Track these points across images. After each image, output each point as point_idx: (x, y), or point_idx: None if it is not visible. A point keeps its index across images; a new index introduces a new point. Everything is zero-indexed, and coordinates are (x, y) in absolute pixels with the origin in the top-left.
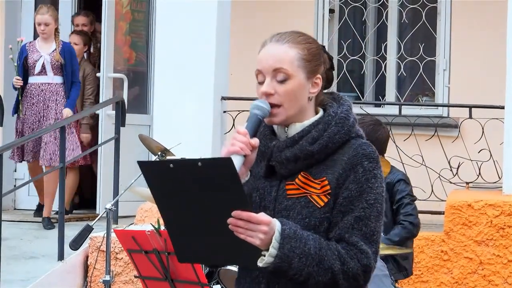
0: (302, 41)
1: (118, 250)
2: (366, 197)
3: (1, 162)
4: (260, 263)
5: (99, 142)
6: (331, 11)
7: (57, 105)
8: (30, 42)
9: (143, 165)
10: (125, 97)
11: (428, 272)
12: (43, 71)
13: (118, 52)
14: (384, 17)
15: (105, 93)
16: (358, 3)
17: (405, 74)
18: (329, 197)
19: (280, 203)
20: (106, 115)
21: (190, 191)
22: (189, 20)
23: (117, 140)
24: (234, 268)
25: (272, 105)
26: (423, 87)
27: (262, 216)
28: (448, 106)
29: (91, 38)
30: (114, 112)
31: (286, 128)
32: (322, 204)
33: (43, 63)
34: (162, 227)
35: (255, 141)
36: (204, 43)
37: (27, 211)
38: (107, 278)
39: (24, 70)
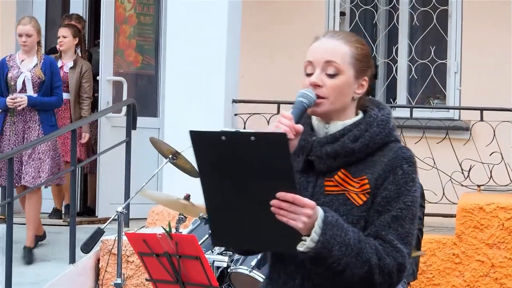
0: (356, 41)
1: (130, 253)
2: (404, 199)
3: (12, 164)
4: (300, 248)
5: (98, 146)
6: (342, 13)
7: (39, 125)
8: (10, 56)
9: (194, 133)
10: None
11: (440, 275)
12: (24, 88)
13: (120, 55)
14: (395, 19)
15: (104, 96)
16: (369, 6)
17: (416, 77)
18: (367, 196)
19: (317, 199)
20: (105, 118)
21: (238, 166)
22: (200, 23)
23: (128, 143)
24: (245, 271)
25: (318, 97)
26: (434, 90)
27: (307, 199)
28: (460, 108)
29: (81, 30)
30: (114, 115)
31: (327, 125)
32: (361, 202)
33: (24, 80)
34: (173, 230)
35: (299, 126)
36: (215, 46)
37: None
38: (119, 281)
39: (6, 86)
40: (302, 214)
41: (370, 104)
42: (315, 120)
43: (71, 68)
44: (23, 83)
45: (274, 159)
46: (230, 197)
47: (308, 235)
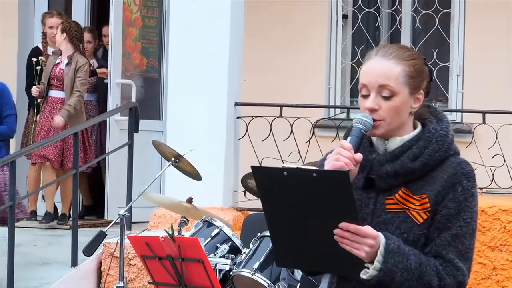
0: (408, 57)
1: (132, 256)
2: (464, 216)
3: (14, 168)
4: (364, 275)
5: (107, 149)
6: (345, 17)
7: None
8: None
9: (257, 170)
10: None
11: None
12: None
13: (127, 58)
14: (397, 22)
15: (113, 98)
16: (371, 9)
17: None
18: (428, 215)
19: (378, 216)
20: (114, 121)
21: (301, 199)
22: (202, 27)
23: (130, 146)
24: (248, 274)
25: (375, 120)
26: (437, 93)
27: (369, 229)
28: (462, 111)
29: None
30: (122, 117)
31: (386, 142)
32: (421, 221)
33: None
34: (176, 233)
35: (359, 156)
36: (217, 49)
37: (40, 217)
38: (121, 284)
39: None
40: (365, 244)
41: (429, 115)
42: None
43: (66, 64)
44: None
45: (336, 193)
46: (293, 226)
47: (371, 262)
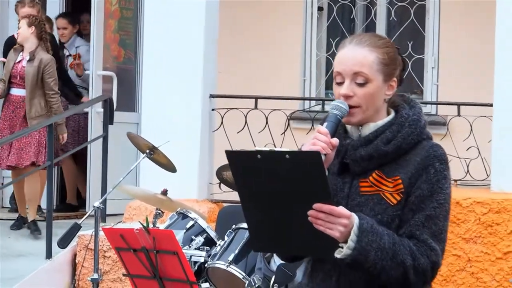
0: (382, 45)
1: (106, 248)
2: (437, 197)
3: None
4: (338, 255)
5: (89, 139)
6: (320, 8)
7: None
8: None
9: (231, 153)
10: (114, 95)
11: None
12: None
13: (107, 49)
14: (372, 14)
15: (95, 91)
16: (346, 1)
17: None
18: (401, 196)
19: (353, 200)
20: (96, 113)
21: (274, 182)
22: (178, 18)
23: (105, 138)
24: (223, 266)
25: (350, 106)
26: (412, 85)
27: (343, 209)
28: (437, 103)
29: (37, 18)
30: (102, 110)
31: (360, 128)
32: (395, 202)
33: None
34: (151, 225)
35: (335, 140)
36: (193, 41)
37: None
38: (95, 276)
39: None
40: (339, 224)
41: (401, 102)
42: None
43: (28, 61)
44: None
45: (310, 175)
46: (268, 209)
47: (345, 242)
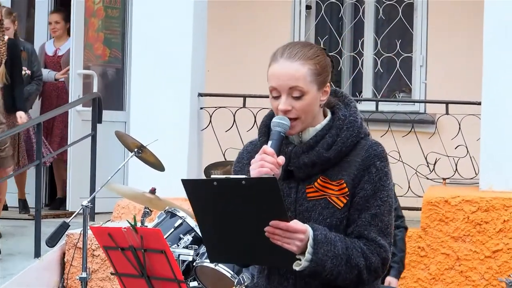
0: (312, 55)
1: (95, 247)
2: (380, 195)
3: None
4: (296, 267)
5: (69, 139)
6: (308, 7)
7: None
8: None
9: (187, 183)
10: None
11: (405, 268)
12: None
13: (89, 48)
14: (360, 13)
15: (74, 89)
16: (334, 0)
17: (382, 70)
18: (347, 198)
19: (301, 205)
20: (76, 112)
21: (232, 206)
22: (166, 17)
23: (93, 137)
24: (211, 264)
25: (290, 119)
26: (400, 83)
27: (298, 224)
28: (425, 102)
29: None
30: (84, 108)
31: (300, 134)
32: (342, 205)
33: None
34: (139, 224)
35: (282, 159)
36: (181, 39)
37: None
38: (84, 275)
39: None
40: (296, 239)
41: (337, 102)
42: None
43: None
44: None
45: (267, 199)
46: (227, 230)
47: (302, 254)
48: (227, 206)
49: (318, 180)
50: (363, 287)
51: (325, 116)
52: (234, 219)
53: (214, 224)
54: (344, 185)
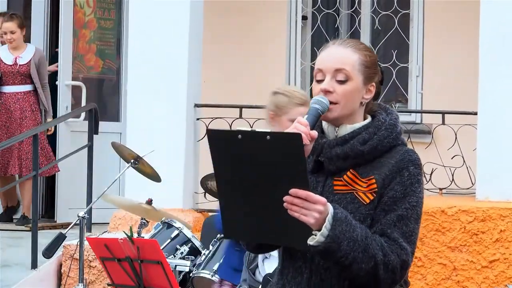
0: (364, 48)
1: (92, 258)
2: (409, 199)
3: None
4: (311, 242)
5: (57, 150)
6: (304, 18)
7: None
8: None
9: (212, 132)
10: (83, 104)
11: None
12: None
13: (80, 59)
14: (357, 23)
15: (62, 101)
16: (331, 10)
17: None
18: (374, 195)
19: (327, 198)
20: (63, 123)
21: (253, 164)
22: (162, 28)
23: (90, 148)
24: (208, 275)
25: (329, 102)
26: (396, 93)
27: (319, 196)
28: (421, 112)
29: None
30: (74, 119)
31: (337, 129)
32: (368, 201)
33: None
34: (135, 235)
35: (314, 133)
36: (177, 50)
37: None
38: (81, 286)
39: None
40: (314, 210)
41: (378, 109)
42: (325, 123)
43: None
44: None
45: (289, 158)
46: (244, 193)
47: (319, 230)
48: (248, 165)
49: (348, 173)
50: (379, 286)
51: (365, 119)
52: (254, 181)
53: (233, 185)
54: (374, 181)
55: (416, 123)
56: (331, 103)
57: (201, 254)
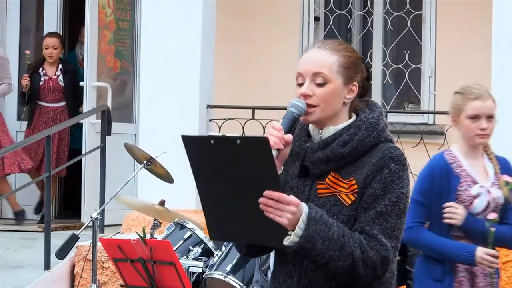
0: (343, 49)
1: (105, 259)
2: (389, 196)
3: None
4: (285, 242)
5: (83, 152)
6: (316, 19)
7: None
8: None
9: (186, 139)
10: (109, 105)
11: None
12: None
13: (102, 61)
14: (369, 24)
15: (89, 102)
16: (343, 11)
17: (390, 82)
18: (356, 196)
19: (312, 201)
20: (90, 124)
21: (227, 167)
22: (174, 29)
23: (103, 149)
24: (221, 276)
25: (309, 105)
26: (409, 94)
27: (291, 197)
28: (434, 113)
29: None
30: (97, 120)
31: (321, 131)
32: (349, 202)
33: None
34: (148, 236)
35: (288, 137)
36: (190, 51)
37: (12, 220)
38: (94, 287)
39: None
40: (287, 211)
41: (363, 107)
42: (311, 127)
43: None
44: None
45: (259, 161)
46: (222, 196)
47: (294, 230)
48: (222, 169)
49: (329, 176)
50: (360, 282)
51: (350, 119)
52: (229, 185)
53: (211, 190)
54: (354, 182)
55: (428, 124)
56: (311, 106)
57: (214, 255)
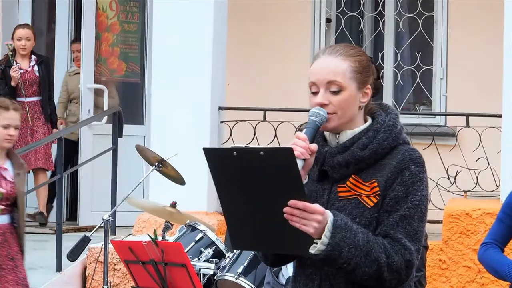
0: (354, 54)
1: (116, 261)
2: (411, 198)
3: None
4: (312, 250)
5: (79, 153)
6: (328, 20)
7: None
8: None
9: (207, 151)
10: (105, 108)
11: (427, 281)
12: None
13: (103, 63)
14: (381, 26)
15: (84, 104)
16: (354, 13)
17: (402, 83)
18: (378, 198)
19: (332, 205)
20: (86, 126)
21: (250, 179)
22: (186, 31)
23: (114, 151)
24: (232, 278)
25: (327, 113)
26: (420, 96)
27: (317, 206)
28: (446, 114)
29: None
30: (94, 122)
31: (337, 135)
32: (372, 204)
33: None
34: (159, 238)
35: (314, 146)
36: (201, 53)
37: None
38: None
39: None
40: (312, 220)
41: (378, 110)
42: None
43: None
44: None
45: (284, 172)
46: (246, 206)
47: (320, 239)
48: (246, 180)
49: (350, 179)
50: (384, 286)
51: (365, 122)
52: (253, 196)
53: (234, 200)
54: (376, 184)
55: (440, 126)
56: (328, 114)
57: (226, 257)
